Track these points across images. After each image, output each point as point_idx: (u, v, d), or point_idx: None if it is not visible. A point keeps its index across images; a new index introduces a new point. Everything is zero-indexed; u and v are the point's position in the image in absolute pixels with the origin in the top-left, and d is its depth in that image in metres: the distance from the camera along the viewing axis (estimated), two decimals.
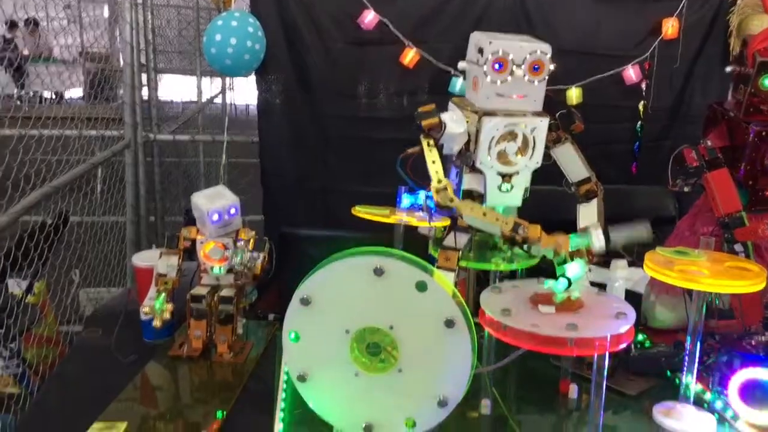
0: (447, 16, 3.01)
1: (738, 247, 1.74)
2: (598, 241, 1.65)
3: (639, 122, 3.08)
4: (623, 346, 1.46)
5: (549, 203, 1.89)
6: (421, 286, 1.44)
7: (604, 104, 3.01)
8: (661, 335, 1.90)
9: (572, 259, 1.65)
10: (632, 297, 1.86)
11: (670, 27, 2.98)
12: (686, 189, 1.85)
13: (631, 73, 3.02)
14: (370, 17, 2.93)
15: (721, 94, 3.10)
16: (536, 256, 1.72)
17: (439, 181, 1.62)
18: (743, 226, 1.74)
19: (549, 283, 1.63)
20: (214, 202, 1.85)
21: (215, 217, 1.84)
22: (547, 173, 1.79)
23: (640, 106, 3.07)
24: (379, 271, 1.45)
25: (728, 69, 1.91)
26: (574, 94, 2.97)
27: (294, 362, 1.55)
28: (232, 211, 1.86)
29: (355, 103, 3.04)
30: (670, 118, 3.12)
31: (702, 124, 1.98)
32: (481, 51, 1.70)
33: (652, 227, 2.30)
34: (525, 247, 1.66)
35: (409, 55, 2.97)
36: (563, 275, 1.59)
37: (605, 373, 1.49)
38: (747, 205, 1.79)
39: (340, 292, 1.49)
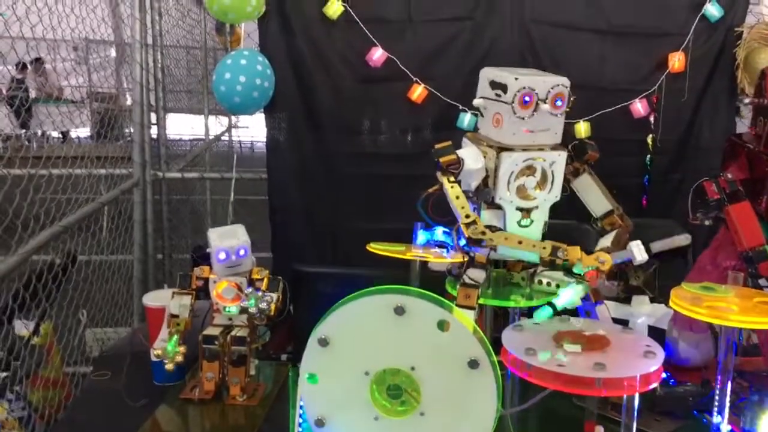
0: (454, 53, 3.02)
1: (763, 281, 1.69)
2: (639, 254, 1.60)
3: (648, 155, 3.05)
4: (654, 386, 1.40)
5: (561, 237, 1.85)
6: (443, 325, 1.39)
7: (612, 138, 2.99)
8: (686, 373, 1.84)
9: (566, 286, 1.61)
10: (655, 333, 1.80)
11: (677, 61, 2.98)
12: (707, 222, 1.81)
13: (639, 106, 3.01)
14: (378, 54, 2.93)
15: (728, 127, 3.09)
16: (580, 273, 1.66)
17: (468, 216, 1.58)
18: (767, 260, 1.70)
19: (574, 320, 1.58)
20: (223, 240, 1.81)
21: (222, 255, 1.80)
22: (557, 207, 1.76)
23: (649, 140, 3.05)
24: (399, 310, 1.41)
25: (746, 101, 1.89)
26: (582, 128, 2.95)
27: (311, 405, 1.49)
28: (242, 252, 1.81)
29: (362, 139, 3.03)
30: (679, 150, 3.10)
31: (720, 156, 1.95)
32: (500, 87, 1.68)
33: (663, 260, 2.25)
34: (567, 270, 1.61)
35: (417, 91, 2.97)
36: (549, 302, 1.55)
37: (635, 414, 1.43)
38: None
39: (359, 333, 1.44)
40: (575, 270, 1.63)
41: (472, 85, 2.96)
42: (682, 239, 1.65)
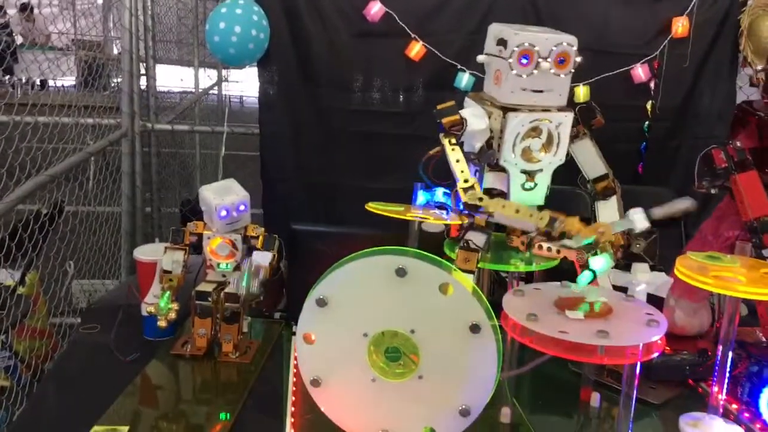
0: (454, 10, 2.91)
1: (767, 252, 1.66)
2: (640, 222, 1.56)
3: (646, 122, 2.99)
4: (655, 355, 1.37)
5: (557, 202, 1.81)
6: (444, 288, 1.35)
7: (610, 103, 2.90)
8: (682, 342, 1.82)
9: (596, 254, 1.56)
10: (654, 302, 1.77)
11: (680, 26, 2.89)
12: (713, 191, 1.77)
13: (640, 71, 2.94)
14: (375, 9, 2.82)
15: (729, 95, 3.03)
16: (573, 248, 1.62)
17: (466, 180, 1.53)
18: None
19: (573, 286, 1.55)
20: (223, 197, 1.74)
21: (223, 213, 1.73)
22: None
23: (648, 106, 2.98)
24: (401, 272, 1.36)
25: (759, 68, 1.83)
26: (581, 92, 2.88)
27: (307, 366, 1.45)
28: (242, 207, 1.75)
29: (358, 96, 2.93)
30: (678, 118, 3.03)
31: (719, 124, 1.91)
32: (503, 43, 1.60)
33: (657, 227, 2.22)
34: (566, 241, 1.57)
35: (415, 49, 2.87)
36: (587, 267, 1.50)
37: (635, 383, 1.40)
38: None
39: (358, 294, 1.40)
40: (573, 242, 1.59)
41: (471, 43, 2.92)
42: (685, 203, 1.61)
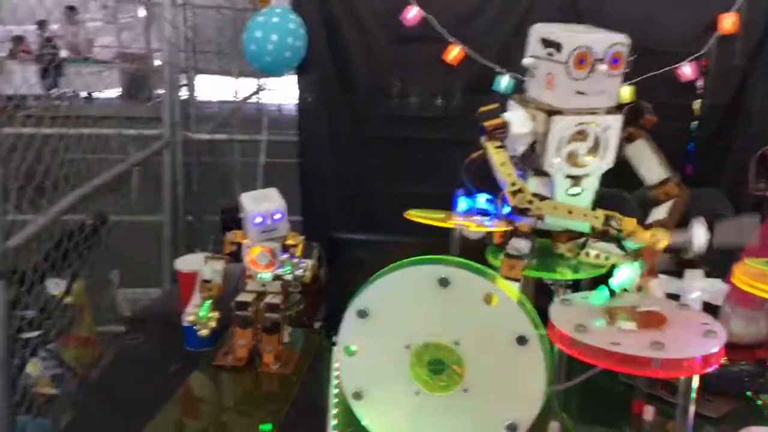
0: (491, 12, 2.85)
1: None
2: (697, 239, 1.47)
3: (695, 122, 2.88)
4: (714, 368, 1.30)
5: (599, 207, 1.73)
6: (489, 299, 1.30)
7: (656, 102, 2.82)
8: (739, 351, 1.73)
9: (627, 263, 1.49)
10: (709, 311, 1.68)
11: (729, 22, 2.78)
12: None
13: (687, 70, 2.82)
14: (413, 13, 2.79)
15: None
16: (628, 251, 1.55)
17: (514, 184, 1.47)
18: None
19: (624, 295, 1.48)
20: (259, 204, 1.72)
21: (258, 220, 1.71)
22: None
23: (696, 105, 2.87)
24: (444, 282, 1.32)
25: None
26: (627, 93, 2.78)
27: (349, 378, 1.41)
28: (277, 216, 1.73)
29: (397, 102, 2.90)
30: (727, 117, 2.90)
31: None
32: (555, 46, 1.54)
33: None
34: (619, 242, 1.50)
35: (453, 52, 2.82)
36: (602, 284, 1.44)
37: (692, 396, 1.33)
38: None
39: (400, 304, 1.36)
40: (626, 244, 1.52)
41: (510, 46, 2.85)
42: (750, 221, 1.49)
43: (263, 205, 1.73)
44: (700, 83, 2.83)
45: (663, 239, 1.46)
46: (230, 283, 1.80)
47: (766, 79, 2.86)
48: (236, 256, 1.79)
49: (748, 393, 1.62)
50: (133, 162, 2.76)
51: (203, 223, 3.49)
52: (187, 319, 1.71)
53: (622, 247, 1.56)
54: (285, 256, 1.70)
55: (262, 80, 5.11)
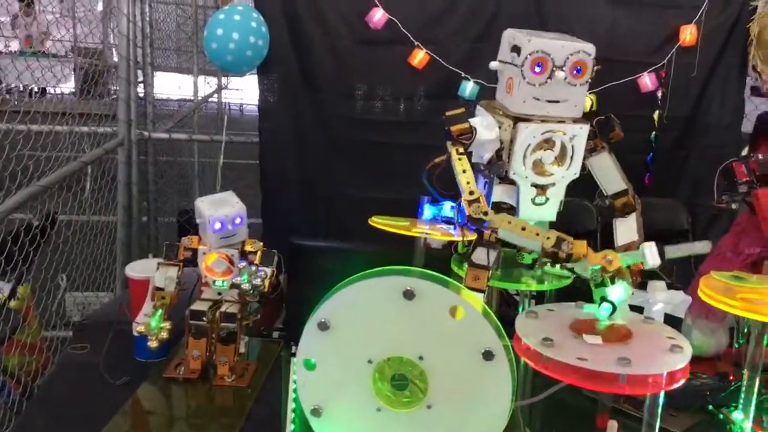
0: (457, 17, 2.83)
1: None
2: (652, 258, 1.45)
3: (654, 132, 2.90)
4: (681, 383, 1.27)
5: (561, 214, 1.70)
6: (455, 312, 1.24)
7: (617, 112, 2.82)
8: (700, 364, 1.71)
9: (613, 281, 1.45)
10: (671, 322, 1.66)
11: (688, 34, 2.80)
12: (733, 206, 1.66)
13: (647, 80, 2.85)
14: (378, 15, 2.74)
15: (738, 105, 2.94)
16: (579, 274, 1.52)
17: (471, 193, 1.42)
18: None
19: (589, 308, 1.44)
20: (218, 209, 1.63)
21: (217, 225, 1.62)
22: None
23: (655, 116, 2.89)
24: (409, 294, 1.25)
25: None
26: (588, 102, 2.77)
27: (308, 394, 1.34)
28: (237, 220, 1.64)
29: (362, 104, 2.84)
30: (686, 128, 2.94)
31: (730, 134, 1.80)
32: (517, 50, 1.50)
33: (663, 242, 2.12)
34: (569, 264, 1.46)
35: (418, 56, 2.78)
36: (605, 299, 1.39)
37: (659, 413, 1.30)
38: None
39: (363, 317, 1.29)
40: (576, 269, 1.49)
41: (475, 51, 2.83)
42: (704, 247, 1.47)
43: (222, 209, 1.64)
44: (659, 94, 2.86)
45: (615, 261, 1.43)
46: (185, 291, 1.70)
47: (723, 91, 2.90)
48: (192, 263, 1.69)
49: (711, 407, 1.60)
50: (86, 160, 2.63)
51: (159, 225, 3.36)
52: (137, 329, 1.60)
53: (571, 270, 1.52)
54: (243, 264, 1.61)
55: (224, 79, 4.99)
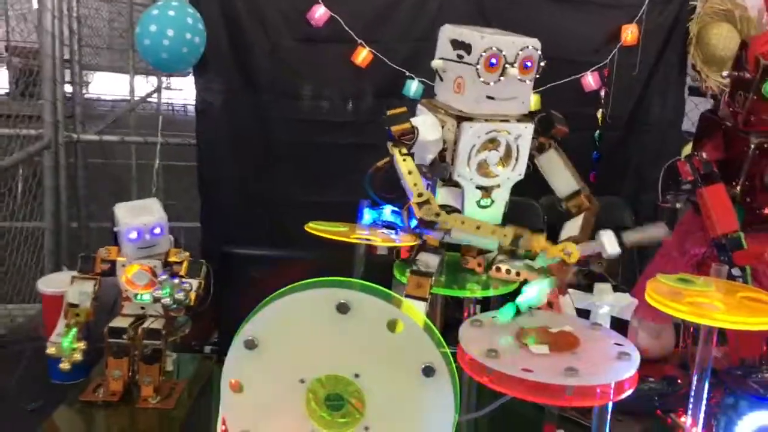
0: (401, 15, 2.72)
1: (735, 271, 1.50)
2: (610, 246, 1.39)
3: (598, 131, 2.86)
4: (628, 393, 1.20)
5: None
6: (393, 326, 1.14)
7: (561, 111, 2.78)
8: (647, 366, 1.65)
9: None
10: (618, 325, 1.60)
11: (629, 33, 2.77)
12: (678, 205, 1.61)
13: (590, 79, 2.80)
14: (320, 13, 2.61)
15: (678, 104, 2.93)
16: (537, 268, 1.44)
17: (420, 194, 1.33)
18: (741, 249, 1.51)
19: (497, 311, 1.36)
20: (135, 217, 1.48)
21: (133, 235, 1.47)
22: None
23: (599, 114, 2.85)
24: (343, 308, 1.14)
25: (725, 74, 1.69)
26: (532, 101, 2.72)
27: (236, 417, 1.21)
28: (157, 230, 1.49)
29: (304, 104, 2.71)
30: (628, 127, 2.91)
31: (672, 133, 1.76)
32: (466, 47, 1.41)
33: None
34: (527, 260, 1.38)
35: (362, 55, 2.67)
36: (508, 301, 1.33)
37: (607, 425, 1.22)
38: (742, 224, 1.56)
39: (294, 334, 1.17)
40: (538, 261, 1.41)
41: (419, 50, 2.73)
42: (660, 231, 1.43)
43: (141, 218, 1.49)
44: (603, 93, 2.82)
45: (574, 253, 1.36)
46: (104, 306, 1.54)
47: (664, 91, 2.89)
48: (111, 275, 1.54)
49: (658, 412, 1.54)
50: (6, 165, 2.41)
51: (92, 231, 3.15)
52: (49, 350, 1.44)
53: (531, 265, 1.45)
54: (164, 276, 1.47)
55: (166, 79, 4.78)
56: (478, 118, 1.41)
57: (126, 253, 1.49)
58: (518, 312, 1.31)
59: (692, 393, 1.30)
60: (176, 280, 1.47)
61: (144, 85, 4.65)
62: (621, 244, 1.43)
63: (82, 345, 1.43)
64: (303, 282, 1.17)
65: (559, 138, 1.53)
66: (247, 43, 2.63)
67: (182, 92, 6.06)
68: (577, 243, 1.42)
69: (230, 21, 2.61)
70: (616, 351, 1.26)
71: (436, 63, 1.49)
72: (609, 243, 1.39)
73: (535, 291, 1.33)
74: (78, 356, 1.43)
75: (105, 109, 3.81)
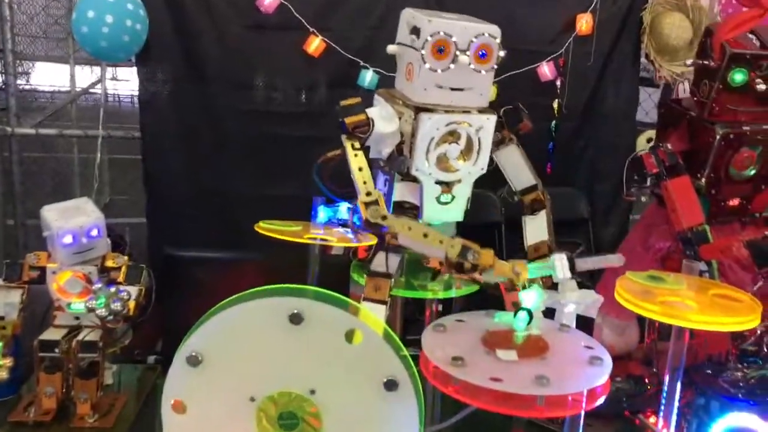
0: (354, 3, 2.60)
1: (702, 265, 1.45)
2: (562, 271, 1.31)
3: (554, 121, 2.80)
4: (601, 401, 1.12)
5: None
6: (352, 336, 1.03)
7: (518, 102, 2.71)
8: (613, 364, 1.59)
9: (525, 287, 1.30)
10: (583, 324, 1.53)
11: (584, 23, 2.72)
12: (643, 198, 1.55)
13: (546, 69, 2.74)
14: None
15: (631, 94, 2.90)
16: (483, 285, 1.35)
17: (368, 194, 1.22)
18: (707, 242, 1.45)
19: (501, 316, 1.27)
20: (68, 219, 1.32)
21: (67, 239, 1.32)
22: None
23: (555, 104, 2.79)
24: (296, 318, 1.02)
25: (688, 62, 1.63)
26: (491, 93, 2.64)
27: None
28: (94, 232, 1.34)
29: (253, 95, 2.56)
30: (584, 117, 2.87)
31: (625, 123, 1.70)
32: (417, 32, 1.30)
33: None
34: (476, 275, 1.28)
35: (314, 44, 2.53)
36: (521, 307, 1.23)
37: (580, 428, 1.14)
38: (708, 217, 1.50)
39: (242, 348, 1.05)
40: (484, 278, 1.32)
41: (374, 39, 2.61)
42: (616, 261, 1.35)
43: (75, 219, 1.34)
44: (558, 83, 2.76)
45: (523, 273, 1.28)
46: (33, 317, 1.38)
47: (618, 80, 2.85)
48: (40, 283, 1.38)
49: (627, 413, 1.48)
50: None
51: (30, 228, 2.92)
52: None
53: (475, 281, 1.37)
54: (99, 285, 1.32)
55: (111, 69, 4.52)
56: (438, 109, 1.30)
57: (58, 258, 1.33)
58: (531, 319, 1.21)
59: (664, 394, 1.23)
60: (113, 289, 1.32)
61: (88, 75, 4.39)
62: (572, 268, 1.35)
63: (8, 362, 1.28)
64: (251, 291, 1.05)
65: (522, 133, 1.44)
66: (193, 31, 2.47)
67: (129, 83, 5.77)
68: (550, 250, 1.35)
69: (174, 7, 2.44)
70: (587, 355, 1.18)
71: (391, 48, 1.38)
72: (561, 268, 1.32)
73: (534, 296, 1.24)
74: (3, 374, 1.27)
75: (45, 101, 3.55)
